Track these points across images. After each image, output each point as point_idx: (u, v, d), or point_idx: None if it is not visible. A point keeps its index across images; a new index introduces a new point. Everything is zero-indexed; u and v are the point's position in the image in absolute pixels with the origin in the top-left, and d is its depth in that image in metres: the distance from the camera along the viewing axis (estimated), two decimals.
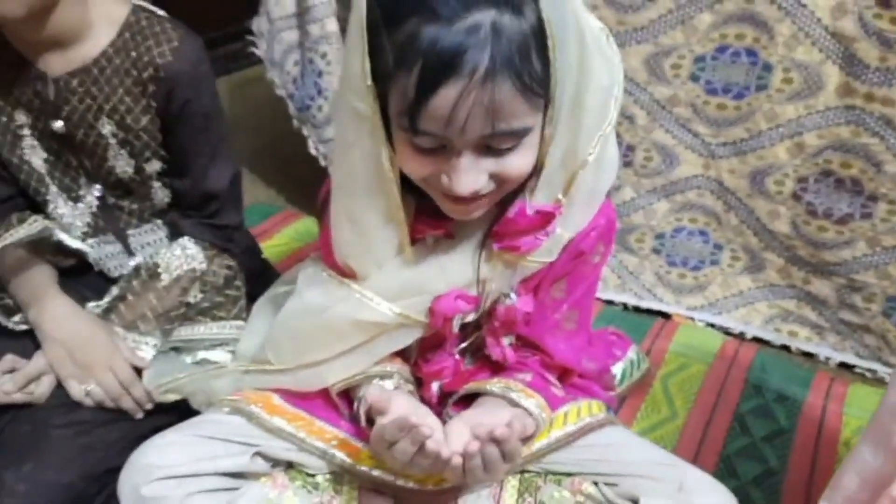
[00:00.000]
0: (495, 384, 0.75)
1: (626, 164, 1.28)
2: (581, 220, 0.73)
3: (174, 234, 1.02)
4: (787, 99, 1.13)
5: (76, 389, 0.90)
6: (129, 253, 1.03)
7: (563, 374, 0.83)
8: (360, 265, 0.73)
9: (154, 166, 0.96)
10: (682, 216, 1.29)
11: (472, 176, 0.61)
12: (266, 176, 1.80)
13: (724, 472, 1.04)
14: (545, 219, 0.69)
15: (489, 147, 0.61)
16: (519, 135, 0.61)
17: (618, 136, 1.24)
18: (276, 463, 0.76)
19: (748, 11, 1.10)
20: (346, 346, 0.75)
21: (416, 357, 0.81)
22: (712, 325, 1.33)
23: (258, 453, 0.74)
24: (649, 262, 1.34)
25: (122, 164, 0.94)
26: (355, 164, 0.66)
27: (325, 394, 0.78)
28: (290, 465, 0.77)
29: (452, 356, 0.78)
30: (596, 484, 0.74)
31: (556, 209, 0.69)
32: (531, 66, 0.58)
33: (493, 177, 0.63)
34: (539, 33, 0.58)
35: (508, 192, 0.67)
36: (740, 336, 1.31)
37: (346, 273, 0.75)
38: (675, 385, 1.19)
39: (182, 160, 0.97)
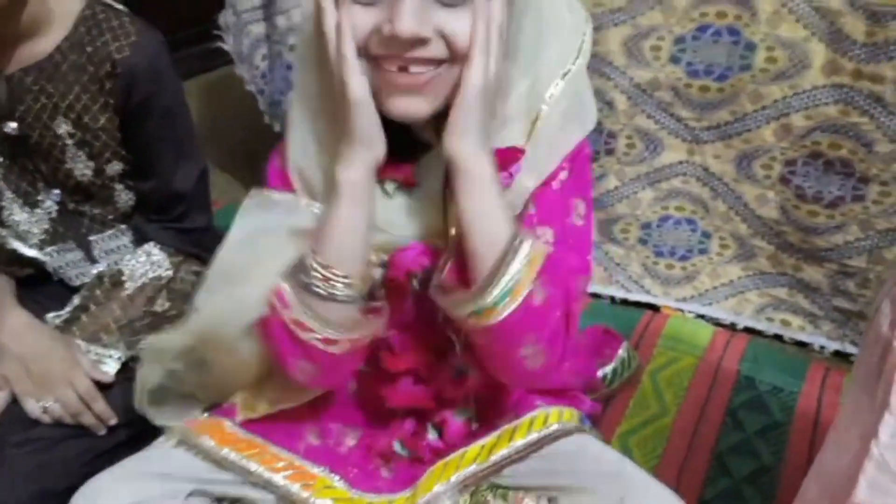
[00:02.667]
0: None
1: (609, 151, 1.23)
2: (545, 164, 0.68)
3: (139, 240, 0.98)
4: (771, 79, 1.09)
5: (32, 406, 0.87)
6: (92, 260, 0.99)
7: None
8: (314, 183, 0.69)
9: (115, 168, 0.93)
10: (668, 204, 1.25)
11: (416, 16, 0.57)
12: (242, 176, 1.76)
13: (717, 470, 1.01)
14: (509, 156, 0.64)
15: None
16: None
17: (599, 123, 1.21)
18: (221, 499, 0.71)
19: None
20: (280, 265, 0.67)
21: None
22: (702, 317, 1.29)
23: (199, 491, 0.69)
24: (636, 252, 1.30)
25: (81, 167, 0.91)
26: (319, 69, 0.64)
27: (286, 416, 0.74)
28: (236, 501, 0.71)
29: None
30: (540, 498, 0.68)
31: (519, 151, 0.65)
32: None
33: (442, 38, 0.59)
34: None
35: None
36: (731, 327, 1.27)
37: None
38: (665, 380, 1.15)
39: (145, 160, 0.93)
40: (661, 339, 1.24)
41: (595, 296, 1.34)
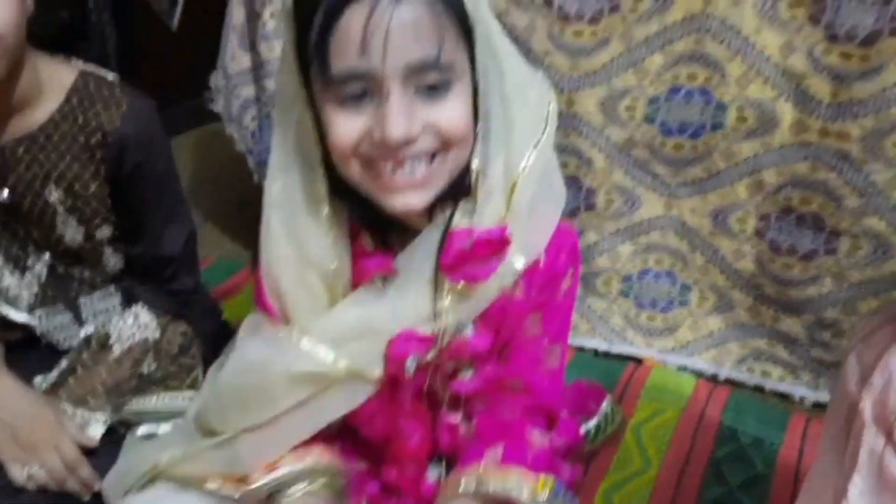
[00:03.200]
0: (465, 483, 0.70)
1: (588, 207, 1.26)
2: (531, 242, 0.70)
3: (127, 301, 0.99)
4: (742, 137, 1.13)
5: (17, 473, 0.87)
6: (80, 322, 1.00)
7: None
8: (294, 300, 0.70)
9: (105, 232, 0.94)
10: (648, 258, 1.27)
11: (403, 118, 0.59)
12: (232, 231, 1.78)
13: None
14: (500, 244, 0.67)
15: (419, 92, 0.60)
16: (445, 69, 0.59)
17: (578, 179, 1.24)
18: None
19: (698, 52, 1.10)
20: (286, 405, 0.70)
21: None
22: (684, 368, 1.30)
23: None
24: (617, 305, 1.32)
25: (72, 232, 0.93)
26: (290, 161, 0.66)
27: None
28: None
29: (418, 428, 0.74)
30: None
31: (503, 229, 0.67)
32: None
33: (430, 131, 0.61)
34: None
35: (449, 206, 0.66)
36: (713, 378, 1.28)
37: (277, 315, 0.72)
38: (648, 433, 1.16)
39: (135, 224, 0.95)
40: (645, 390, 1.24)
41: (579, 349, 1.35)
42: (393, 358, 0.68)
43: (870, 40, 0.99)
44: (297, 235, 0.68)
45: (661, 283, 1.29)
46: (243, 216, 1.81)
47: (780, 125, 1.10)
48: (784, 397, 1.25)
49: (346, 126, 0.61)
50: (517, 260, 0.69)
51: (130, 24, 2.17)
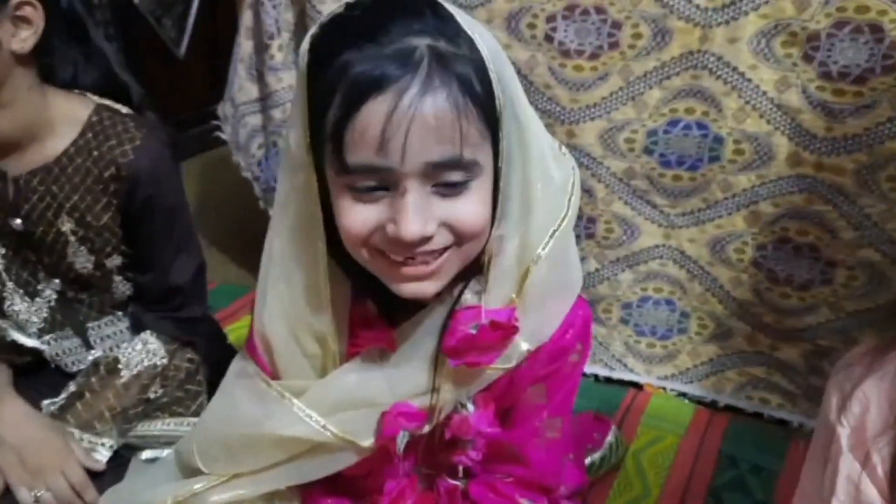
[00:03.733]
0: None
1: (589, 236, 1.28)
2: (541, 327, 0.68)
3: (136, 327, 1.00)
4: (739, 169, 1.15)
5: (25, 496, 0.88)
6: (88, 346, 1.01)
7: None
8: (286, 360, 0.69)
9: (115, 261, 0.96)
10: (647, 286, 1.29)
11: (419, 216, 0.56)
12: (236, 256, 1.80)
13: None
14: (506, 334, 0.64)
15: (437, 188, 0.57)
16: (467, 168, 0.57)
17: (579, 209, 1.26)
18: None
19: (695, 87, 1.13)
20: (273, 460, 0.70)
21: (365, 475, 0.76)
22: (684, 395, 1.32)
23: None
24: (618, 332, 1.34)
25: (82, 261, 0.94)
26: (291, 234, 0.65)
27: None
28: None
29: (402, 478, 0.74)
30: None
31: (512, 314, 0.65)
32: (472, 86, 0.55)
33: (446, 226, 0.59)
34: (480, 63, 0.56)
35: (459, 286, 0.64)
36: (712, 405, 1.30)
37: (268, 368, 0.72)
38: (648, 459, 1.17)
39: (145, 255, 0.97)
40: (645, 416, 1.26)
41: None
42: (385, 432, 0.67)
43: (862, 78, 1.02)
44: (294, 295, 0.67)
45: (660, 310, 1.30)
46: (248, 241, 1.82)
47: (776, 158, 1.12)
48: (782, 424, 1.26)
49: (360, 217, 0.58)
50: (523, 344, 0.67)
51: (138, 52, 2.21)
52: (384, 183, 0.57)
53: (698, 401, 1.30)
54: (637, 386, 1.34)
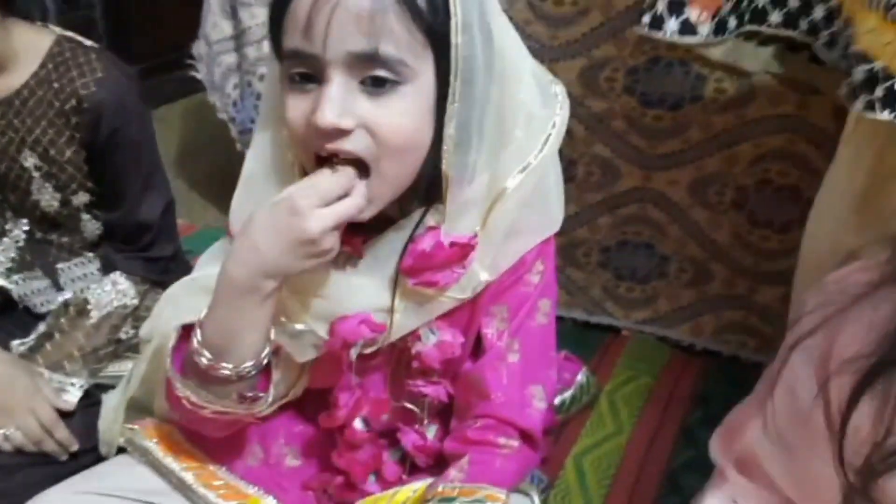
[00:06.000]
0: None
1: (569, 179, 1.27)
2: (502, 260, 0.68)
3: (106, 268, 1.00)
4: (720, 109, 1.13)
5: None
6: (58, 288, 1.01)
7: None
8: None
9: (81, 199, 0.95)
10: (627, 229, 1.28)
11: (338, 106, 0.57)
12: (217, 200, 1.78)
13: (668, 488, 1.03)
14: (462, 251, 0.64)
15: (364, 85, 0.58)
16: (390, 67, 0.57)
17: (560, 150, 1.24)
18: None
19: None
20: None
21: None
22: (663, 339, 1.32)
23: None
24: (597, 276, 1.33)
25: (48, 198, 0.93)
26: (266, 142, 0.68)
27: (235, 436, 0.75)
28: None
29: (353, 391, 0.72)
30: None
31: (472, 240, 0.65)
32: None
33: (366, 129, 0.59)
34: None
35: (409, 209, 0.65)
36: (690, 348, 1.30)
37: None
38: (622, 399, 1.18)
39: (112, 191, 0.95)
40: (621, 359, 1.26)
41: (558, 318, 1.36)
42: (345, 336, 0.67)
43: None
44: (268, 192, 0.67)
45: (639, 254, 1.29)
46: (230, 184, 1.81)
47: (757, 97, 1.10)
48: (759, 367, 1.26)
49: (292, 105, 0.60)
50: (482, 273, 0.67)
51: None
52: (313, 70, 0.59)
53: (676, 344, 1.31)
54: (616, 331, 1.34)
